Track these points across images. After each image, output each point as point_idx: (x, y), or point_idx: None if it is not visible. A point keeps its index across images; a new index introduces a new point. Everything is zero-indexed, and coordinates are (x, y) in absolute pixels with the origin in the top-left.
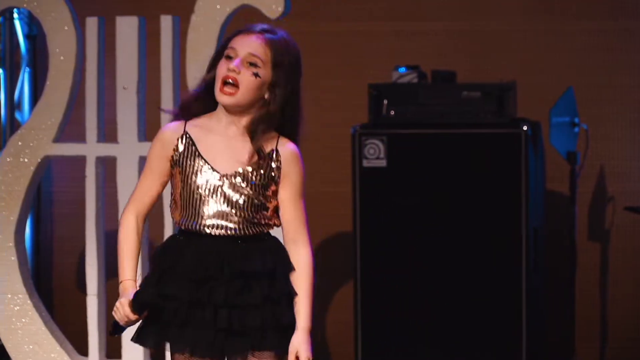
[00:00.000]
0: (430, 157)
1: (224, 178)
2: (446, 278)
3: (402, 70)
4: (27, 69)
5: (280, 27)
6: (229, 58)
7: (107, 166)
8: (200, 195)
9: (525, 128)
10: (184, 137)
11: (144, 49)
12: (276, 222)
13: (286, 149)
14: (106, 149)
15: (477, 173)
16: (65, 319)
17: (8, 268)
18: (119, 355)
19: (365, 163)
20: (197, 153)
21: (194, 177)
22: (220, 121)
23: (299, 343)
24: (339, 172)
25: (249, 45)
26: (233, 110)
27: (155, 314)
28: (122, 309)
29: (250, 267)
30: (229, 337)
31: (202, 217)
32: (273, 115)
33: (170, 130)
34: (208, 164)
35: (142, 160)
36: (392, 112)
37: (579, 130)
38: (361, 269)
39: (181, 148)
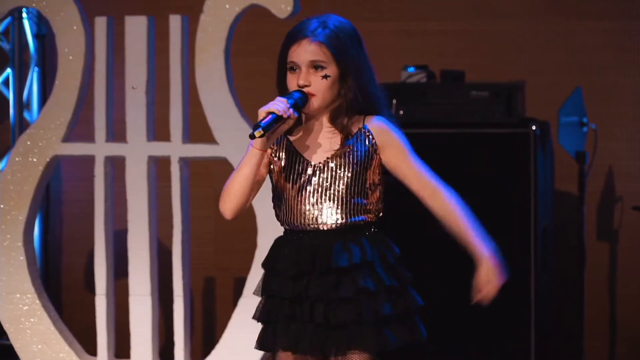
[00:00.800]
0: (439, 157)
1: (319, 167)
2: (454, 277)
3: (411, 69)
4: (36, 69)
5: (326, 13)
6: (293, 70)
7: (115, 166)
8: (297, 189)
9: (534, 128)
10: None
11: (153, 49)
12: (379, 207)
13: (373, 123)
14: (115, 149)
15: (485, 173)
16: (74, 318)
17: (17, 267)
18: (128, 355)
19: None
20: (291, 148)
21: (290, 170)
22: (304, 121)
23: (487, 272)
24: None
25: (305, 54)
26: (315, 111)
27: (265, 317)
28: (280, 101)
29: (341, 262)
30: (327, 331)
31: (300, 211)
32: (351, 103)
33: None
34: (302, 155)
35: (151, 160)
36: (401, 112)
37: (588, 130)
38: None
39: (277, 143)
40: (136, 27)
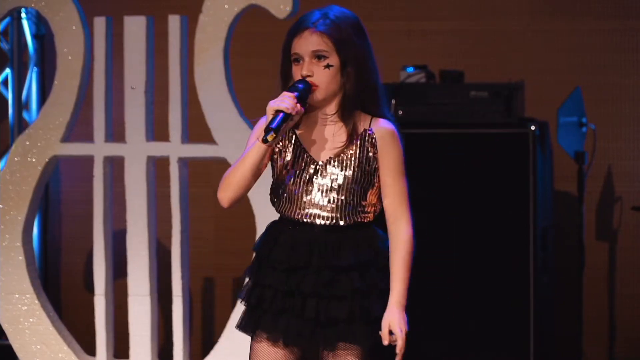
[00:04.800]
0: (438, 157)
1: (322, 165)
2: (455, 277)
3: (410, 70)
4: (35, 69)
5: (329, 5)
6: (297, 62)
7: (115, 166)
8: (299, 183)
9: (533, 128)
10: None
11: (152, 49)
12: (377, 207)
13: (379, 127)
14: (114, 149)
15: (485, 173)
16: (73, 318)
17: (16, 267)
18: (127, 355)
19: None
20: (297, 142)
21: (294, 165)
22: (310, 113)
23: (392, 316)
24: None
25: (308, 45)
26: (319, 103)
27: (254, 302)
28: (287, 97)
29: (339, 260)
30: (317, 327)
31: (299, 205)
32: (352, 92)
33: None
34: (307, 152)
35: (150, 160)
36: (400, 112)
37: (587, 130)
38: None
39: (284, 137)
40: (135, 27)
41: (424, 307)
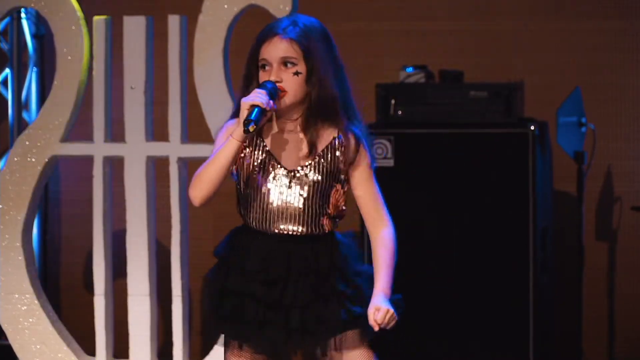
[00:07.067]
0: (438, 157)
1: (291, 174)
2: (454, 277)
3: (410, 70)
4: (35, 69)
5: (295, 13)
6: (265, 67)
7: (114, 166)
8: (268, 191)
9: (532, 128)
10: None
11: (151, 49)
12: (344, 213)
13: (348, 134)
14: (113, 149)
15: (484, 173)
16: (73, 318)
17: (15, 267)
18: (126, 355)
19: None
20: (265, 149)
21: (262, 172)
22: (277, 121)
23: (379, 301)
24: None
25: (277, 51)
26: (286, 109)
27: (227, 311)
28: (260, 93)
29: (317, 265)
30: (304, 336)
31: (270, 215)
32: (318, 101)
33: (237, 124)
34: (276, 160)
35: (150, 160)
36: (400, 112)
37: (586, 130)
38: None
39: (248, 141)
40: (135, 27)
41: (424, 307)
